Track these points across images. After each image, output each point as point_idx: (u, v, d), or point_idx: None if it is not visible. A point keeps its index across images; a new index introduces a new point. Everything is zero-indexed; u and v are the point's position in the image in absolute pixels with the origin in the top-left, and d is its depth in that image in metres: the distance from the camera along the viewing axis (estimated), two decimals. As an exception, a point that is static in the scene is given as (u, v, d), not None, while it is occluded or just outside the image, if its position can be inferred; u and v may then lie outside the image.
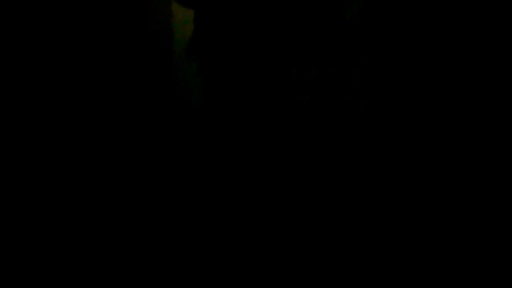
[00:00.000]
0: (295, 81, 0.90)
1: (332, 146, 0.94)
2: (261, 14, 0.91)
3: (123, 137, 1.59)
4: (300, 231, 0.92)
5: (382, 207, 0.84)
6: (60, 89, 1.51)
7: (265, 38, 0.91)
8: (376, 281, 0.83)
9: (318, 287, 0.90)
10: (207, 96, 0.98)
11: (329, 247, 0.89)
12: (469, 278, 0.79)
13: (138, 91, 1.68)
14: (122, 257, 1.33)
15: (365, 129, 0.91)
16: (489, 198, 0.80)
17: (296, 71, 0.90)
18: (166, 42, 2.02)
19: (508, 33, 0.78)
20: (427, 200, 0.82)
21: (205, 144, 1.13)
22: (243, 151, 1.04)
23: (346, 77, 0.97)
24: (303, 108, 0.92)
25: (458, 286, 0.79)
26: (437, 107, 0.83)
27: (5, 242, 1.37)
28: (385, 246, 0.83)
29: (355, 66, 1.21)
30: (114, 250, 1.37)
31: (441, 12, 0.84)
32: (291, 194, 0.95)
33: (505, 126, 0.78)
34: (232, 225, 1.02)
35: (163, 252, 1.23)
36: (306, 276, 0.91)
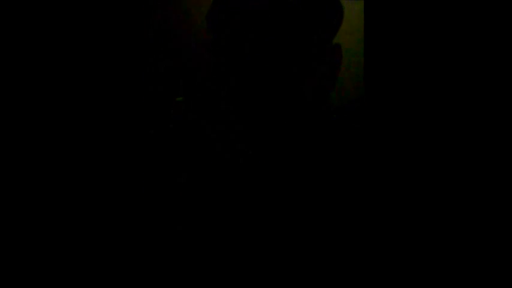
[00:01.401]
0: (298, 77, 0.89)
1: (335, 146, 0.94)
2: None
3: (125, 140, 1.59)
4: (301, 231, 0.92)
5: (381, 208, 0.84)
6: (61, 89, 1.50)
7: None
8: (376, 280, 0.82)
9: (318, 287, 0.90)
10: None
11: (329, 247, 0.89)
12: (470, 278, 0.79)
13: (141, 91, 1.68)
14: (122, 260, 1.33)
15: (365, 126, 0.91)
16: (490, 200, 0.79)
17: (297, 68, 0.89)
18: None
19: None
20: (425, 201, 0.82)
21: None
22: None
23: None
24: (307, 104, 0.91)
25: (458, 286, 0.79)
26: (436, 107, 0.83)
27: (4, 242, 1.37)
28: (385, 246, 0.82)
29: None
30: (115, 254, 1.37)
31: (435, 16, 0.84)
32: (294, 194, 0.94)
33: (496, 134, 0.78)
34: (233, 227, 1.02)
35: (163, 255, 1.23)
36: (306, 277, 0.90)
